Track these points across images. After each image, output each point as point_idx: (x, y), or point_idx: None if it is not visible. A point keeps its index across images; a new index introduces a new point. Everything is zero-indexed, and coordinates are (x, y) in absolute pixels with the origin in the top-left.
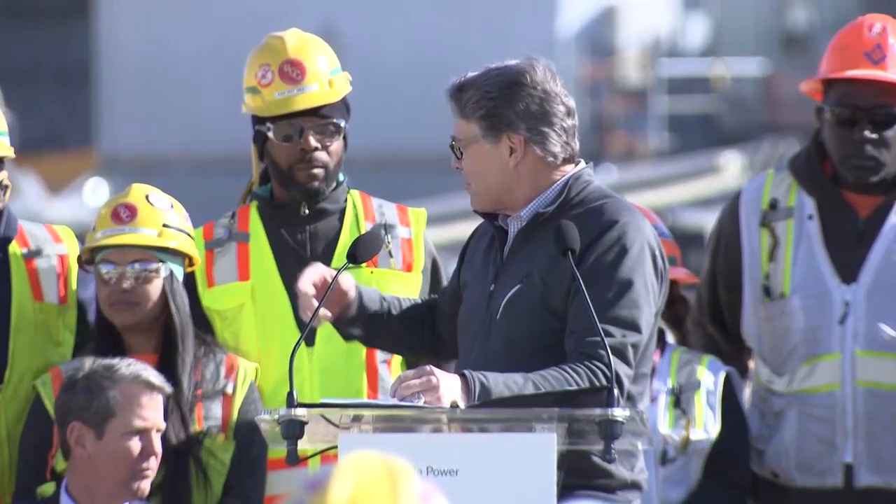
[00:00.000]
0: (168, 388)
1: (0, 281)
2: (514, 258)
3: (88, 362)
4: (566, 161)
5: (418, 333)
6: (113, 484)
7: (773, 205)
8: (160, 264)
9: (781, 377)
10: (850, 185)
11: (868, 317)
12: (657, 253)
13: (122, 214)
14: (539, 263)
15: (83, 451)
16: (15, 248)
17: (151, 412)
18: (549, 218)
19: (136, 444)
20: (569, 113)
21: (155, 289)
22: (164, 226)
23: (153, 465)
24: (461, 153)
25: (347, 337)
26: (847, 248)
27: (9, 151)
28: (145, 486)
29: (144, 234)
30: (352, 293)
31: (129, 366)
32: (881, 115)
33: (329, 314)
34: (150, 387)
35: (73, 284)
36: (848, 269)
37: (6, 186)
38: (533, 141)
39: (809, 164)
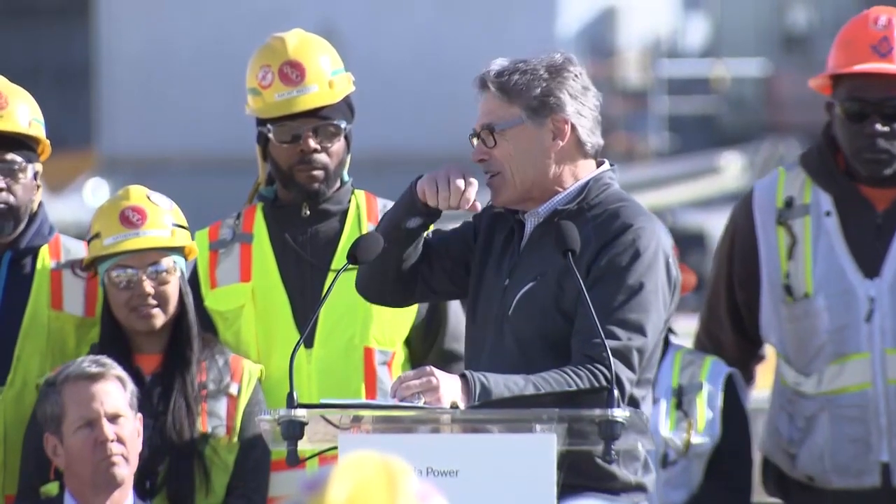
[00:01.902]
0: (117, 372)
1: (21, 283)
2: (530, 254)
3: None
4: (594, 155)
5: (413, 269)
6: (88, 481)
7: (789, 202)
8: (174, 263)
9: (809, 378)
10: (864, 178)
11: (893, 313)
12: (671, 259)
13: (133, 218)
14: (555, 263)
15: (59, 460)
16: (45, 254)
17: (96, 402)
18: (567, 217)
19: (87, 437)
20: (597, 106)
21: (174, 288)
22: (174, 225)
23: (116, 450)
24: (494, 141)
25: (404, 231)
26: (867, 242)
27: (41, 133)
28: (118, 472)
29: (159, 235)
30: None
31: (77, 364)
32: (891, 107)
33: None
34: (91, 378)
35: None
36: (869, 264)
37: (37, 186)
38: (579, 124)
39: (823, 160)
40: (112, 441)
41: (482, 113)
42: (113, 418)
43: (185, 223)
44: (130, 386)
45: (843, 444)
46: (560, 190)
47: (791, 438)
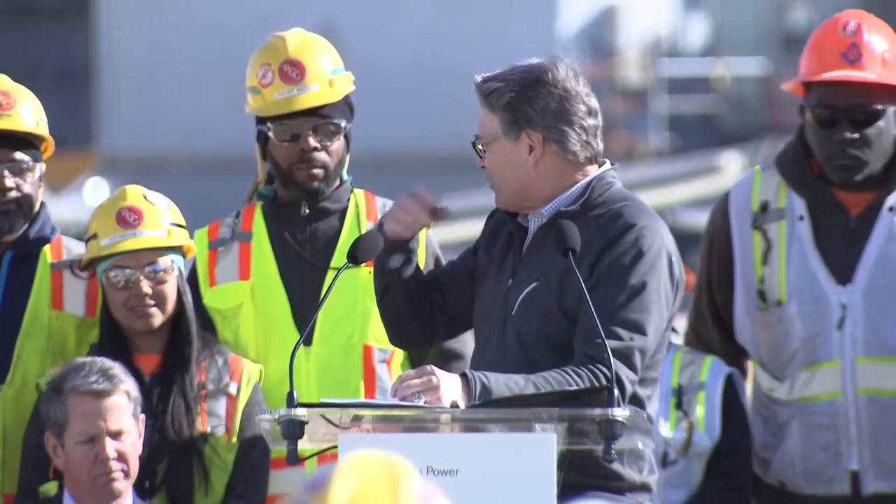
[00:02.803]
0: (126, 387)
1: (22, 282)
2: (533, 255)
3: (58, 370)
4: (588, 161)
5: (426, 302)
6: (86, 490)
7: (764, 206)
8: (171, 262)
9: (782, 383)
10: (838, 183)
11: (865, 321)
12: (674, 258)
13: (129, 218)
14: (557, 263)
15: (59, 460)
16: (46, 253)
17: (100, 419)
18: (570, 217)
19: (88, 452)
20: (590, 112)
21: (172, 288)
22: (171, 224)
23: (116, 466)
24: (481, 153)
25: (391, 272)
26: (840, 247)
27: (45, 131)
28: (116, 487)
29: (155, 235)
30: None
31: (86, 373)
32: (861, 114)
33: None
34: (97, 394)
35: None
36: (842, 270)
37: (40, 186)
38: (551, 139)
39: (797, 163)
40: (112, 459)
41: (479, 122)
42: (115, 435)
43: (182, 222)
44: (135, 394)
45: (814, 451)
46: (555, 195)
47: (765, 443)
